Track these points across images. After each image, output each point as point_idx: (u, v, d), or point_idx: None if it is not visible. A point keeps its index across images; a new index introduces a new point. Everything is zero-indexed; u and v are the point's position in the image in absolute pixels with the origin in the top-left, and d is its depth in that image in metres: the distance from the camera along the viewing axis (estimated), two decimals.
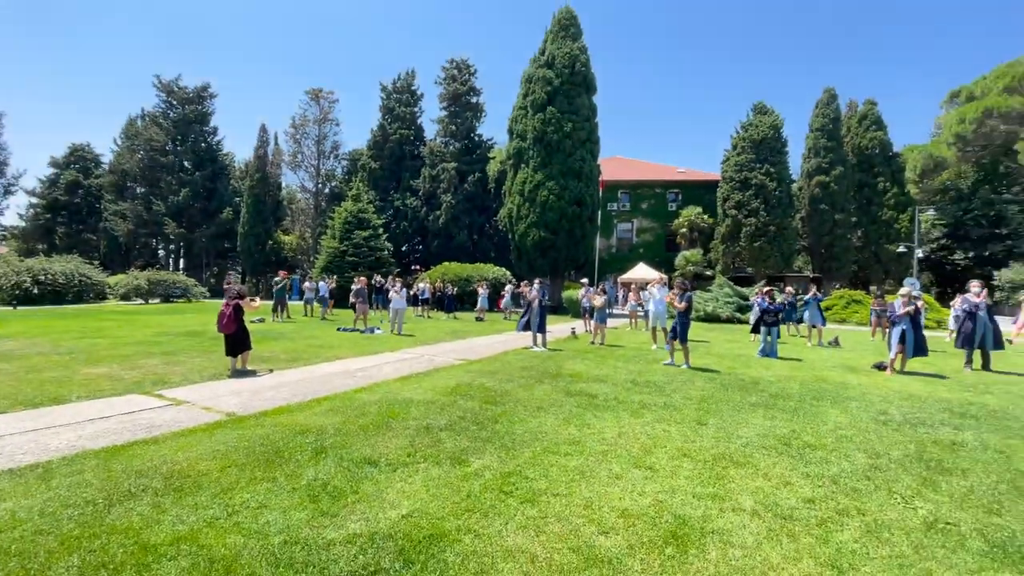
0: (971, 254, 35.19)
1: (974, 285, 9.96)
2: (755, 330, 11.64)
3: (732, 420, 5.37)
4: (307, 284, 20.88)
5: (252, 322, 14.34)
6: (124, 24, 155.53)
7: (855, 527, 3.00)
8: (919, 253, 29.51)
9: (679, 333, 8.84)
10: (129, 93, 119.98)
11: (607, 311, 12.98)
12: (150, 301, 26.08)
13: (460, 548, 2.66)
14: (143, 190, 42.62)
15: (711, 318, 20.45)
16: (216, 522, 2.87)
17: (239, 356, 7.46)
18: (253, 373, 7.42)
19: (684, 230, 35.02)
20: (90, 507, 3.03)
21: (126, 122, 45.96)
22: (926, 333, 12.74)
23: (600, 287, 14.19)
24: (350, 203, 28.30)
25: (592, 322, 13.08)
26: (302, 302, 20.60)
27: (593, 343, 12.15)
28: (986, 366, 9.30)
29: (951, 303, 12.60)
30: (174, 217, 40.41)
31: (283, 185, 44.44)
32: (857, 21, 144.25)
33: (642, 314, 16.89)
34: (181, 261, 45.92)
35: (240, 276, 41.73)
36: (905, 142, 45.05)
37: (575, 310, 20.76)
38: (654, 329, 12.34)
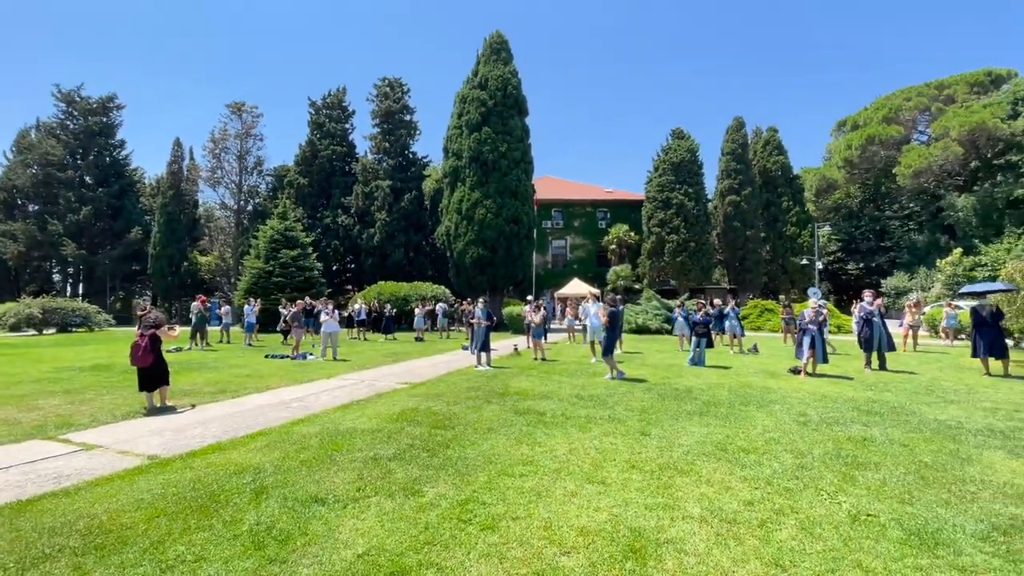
0: (862, 265, 39.54)
1: (867, 294, 11.19)
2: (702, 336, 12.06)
3: (672, 429, 5.64)
4: (224, 308, 18.97)
5: (169, 351, 13.16)
6: (18, 26, 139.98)
7: (791, 525, 3.25)
8: (819, 265, 32.76)
9: (603, 347, 9.28)
10: (23, 103, 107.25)
11: (545, 326, 13.24)
12: (45, 332, 23.23)
13: None
14: (37, 208, 38.26)
15: (642, 329, 21.40)
16: None
17: (157, 391, 6.83)
18: (173, 409, 6.81)
19: (614, 246, 36.63)
20: (1, 573, 2.66)
21: (18, 134, 41.20)
22: (829, 338, 14.13)
23: (536, 303, 14.46)
24: (276, 221, 26.92)
25: (532, 338, 13.28)
26: (219, 328, 18.87)
27: (536, 359, 12.32)
28: (883, 366, 10.43)
29: (852, 309, 14.02)
30: (73, 237, 36.47)
31: (200, 202, 41.55)
32: (761, 56, 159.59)
33: (580, 328, 17.39)
34: (81, 286, 41.37)
35: (151, 300, 38.27)
36: (803, 164, 50.09)
37: (516, 326, 20.94)
38: (592, 342, 12.73)
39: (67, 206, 37.05)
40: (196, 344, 15.67)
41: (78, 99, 38.64)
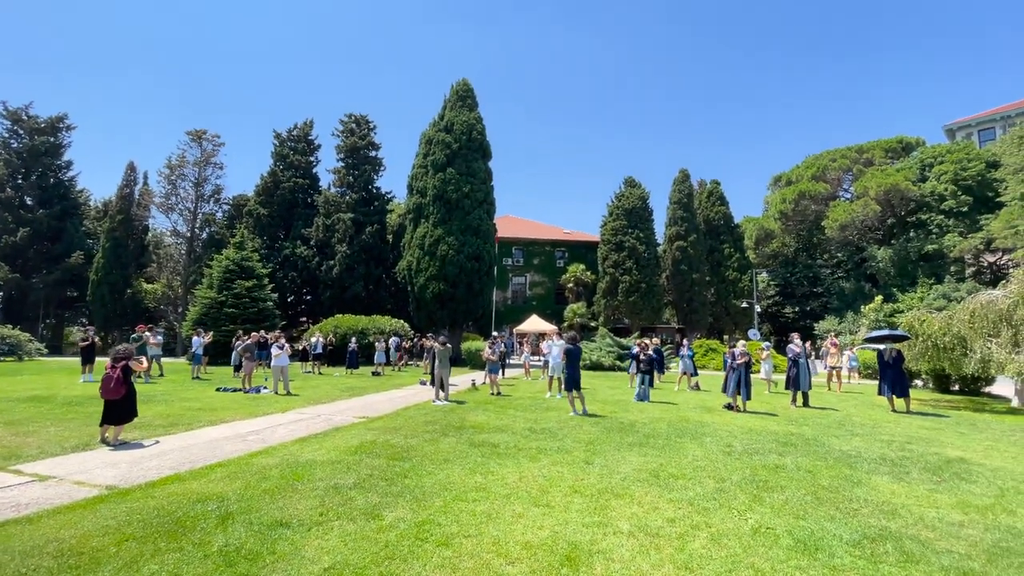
0: (797, 309, 42.33)
1: (796, 337, 12.36)
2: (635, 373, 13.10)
3: (614, 459, 6.18)
4: (156, 338, 17.24)
5: None
6: None
7: (703, 537, 3.81)
8: (758, 308, 34.98)
9: (566, 383, 9.85)
10: None
11: (503, 361, 13.72)
12: None
13: None
14: None
15: (595, 366, 22.15)
16: None
17: (112, 428, 6.77)
18: (126, 443, 6.77)
19: (571, 285, 37.88)
20: None
21: None
22: (775, 376, 15.31)
23: (490, 341, 14.99)
24: (232, 251, 26.47)
25: (489, 374, 13.69)
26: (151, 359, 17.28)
27: (492, 394, 12.69)
28: (806, 403, 11.47)
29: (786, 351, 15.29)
30: (6, 259, 34.27)
31: (150, 228, 40.10)
32: (706, 112, 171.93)
33: (541, 364, 17.93)
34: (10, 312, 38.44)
35: (87, 328, 35.97)
36: (743, 214, 53.97)
37: (474, 362, 21.23)
38: (551, 378, 13.27)
39: (3, 227, 34.98)
40: (139, 377, 15.08)
41: (25, 117, 37.16)
